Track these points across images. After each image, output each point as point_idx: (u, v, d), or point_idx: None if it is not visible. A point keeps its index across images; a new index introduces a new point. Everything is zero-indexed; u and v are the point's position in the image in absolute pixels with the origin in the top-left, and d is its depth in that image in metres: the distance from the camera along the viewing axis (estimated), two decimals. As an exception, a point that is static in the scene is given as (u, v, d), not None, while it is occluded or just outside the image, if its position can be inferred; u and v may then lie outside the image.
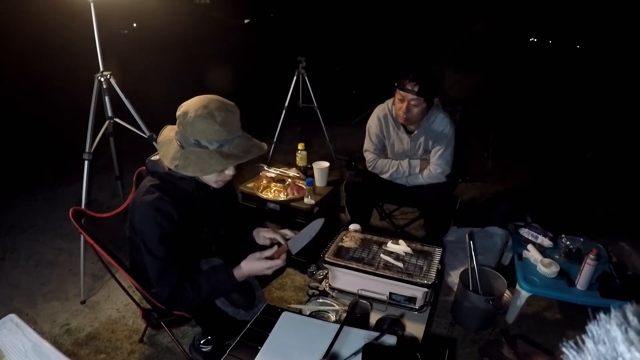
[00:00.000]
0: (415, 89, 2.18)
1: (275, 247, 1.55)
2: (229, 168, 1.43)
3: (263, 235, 1.72)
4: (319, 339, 1.28)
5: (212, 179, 1.46)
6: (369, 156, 2.51)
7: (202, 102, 1.36)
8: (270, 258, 1.52)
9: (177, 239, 1.43)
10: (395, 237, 1.91)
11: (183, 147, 1.38)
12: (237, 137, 1.39)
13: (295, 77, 3.68)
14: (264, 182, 2.62)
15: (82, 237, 1.96)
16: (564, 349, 0.37)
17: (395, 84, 2.28)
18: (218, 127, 1.33)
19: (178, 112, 1.38)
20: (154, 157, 1.50)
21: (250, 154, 1.41)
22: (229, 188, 1.72)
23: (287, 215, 2.47)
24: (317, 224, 1.62)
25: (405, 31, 8.02)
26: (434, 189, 2.40)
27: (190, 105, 1.36)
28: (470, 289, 1.86)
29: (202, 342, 1.88)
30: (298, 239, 1.62)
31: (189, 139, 1.35)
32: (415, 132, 2.39)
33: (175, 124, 1.46)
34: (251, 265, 1.50)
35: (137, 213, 1.42)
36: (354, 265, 1.69)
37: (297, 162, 2.77)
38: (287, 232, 1.68)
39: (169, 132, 1.47)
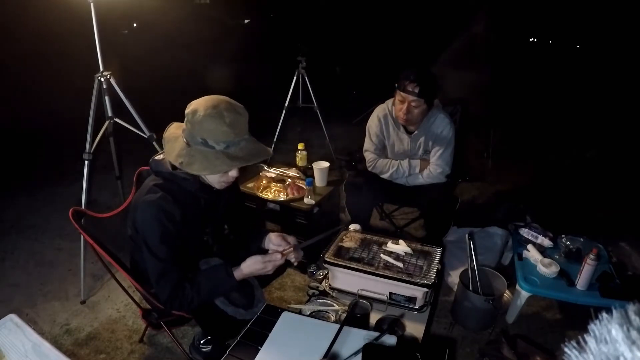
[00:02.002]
0: (416, 91, 2.18)
1: (278, 255, 1.55)
2: (233, 170, 1.43)
3: (276, 241, 1.68)
4: (319, 339, 1.28)
5: (216, 180, 1.46)
6: (369, 156, 2.51)
7: (212, 102, 1.36)
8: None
9: (178, 239, 1.43)
10: (395, 237, 1.91)
11: (189, 145, 1.38)
12: (243, 140, 1.39)
13: (295, 77, 3.68)
14: (264, 182, 2.62)
15: (82, 237, 1.96)
16: (565, 349, 0.37)
17: (396, 85, 2.28)
18: (226, 128, 1.33)
19: (187, 110, 1.38)
20: (158, 157, 1.50)
21: (255, 157, 1.41)
22: (234, 189, 1.72)
23: (287, 215, 2.47)
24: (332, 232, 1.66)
25: (405, 31, 8.02)
26: (434, 189, 2.40)
27: (199, 104, 1.36)
28: (470, 289, 1.86)
29: (202, 342, 1.88)
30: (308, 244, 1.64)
31: (196, 137, 1.35)
32: (415, 132, 2.38)
33: (180, 122, 1.47)
34: (250, 263, 1.50)
35: (139, 212, 1.42)
36: (354, 265, 1.69)
37: (297, 162, 2.77)
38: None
39: (175, 130, 1.47)
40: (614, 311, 0.37)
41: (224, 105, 1.36)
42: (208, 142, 1.35)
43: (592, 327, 0.38)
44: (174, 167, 1.47)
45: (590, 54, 7.90)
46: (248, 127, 1.42)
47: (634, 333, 0.35)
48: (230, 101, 1.40)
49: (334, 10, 8.27)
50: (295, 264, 1.67)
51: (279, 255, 1.53)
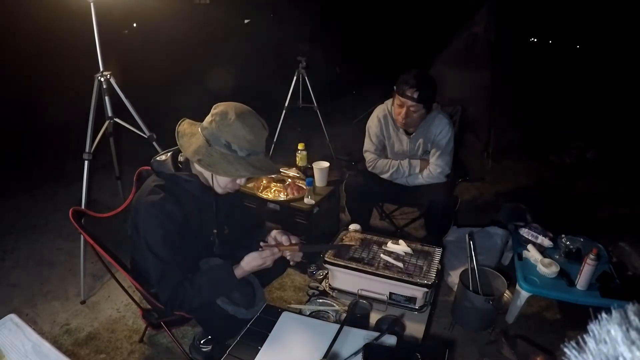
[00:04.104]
0: (415, 96, 2.18)
1: (275, 249, 1.55)
2: (243, 178, 1.47)
3: (279, 237, 1.67)
4: (319, 339, 1.28)
5: (222, 184, 1.47)
6: (369, 156, 2.51)
7: (242, 109, 1.41)
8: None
9: (179, 240, 1.43)
10: (395, 237, 1.91)
11: (210, 145, 1.39)
12: (262, 153, 1.45)
13: (295, 77, 3.68)
14: (264, 182, 2.62)
15: (82, 237, 1.96)
16: (565, 349, 0.37)
17: (394, 88, 2.27)
18: (253, 137, 1.38)
19: (215, 110, 1.41)
20: (160, 157, 1.50)
21: (270, 171, 1.50)
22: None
23: (287, 215, 2.47)
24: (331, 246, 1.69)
25: (405, 31, 8.02)
26: (434, 189, 2.39)
27: (230, 107, 1.39)
28: (470, 289, 1.86)
29: (202, 342, 1.88)
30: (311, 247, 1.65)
31: (221, 139, 1.37)
32: (414, 133, 2.39)
33: (191, 120, 1.49)
34: (249, 259, 1.50)
35: (140, 213, 1.42)
36: (354, 265, 1.69)
37: (297, 162, 2.77)
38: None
39: (189, 126, 1.48)
40: (613, 311, 0.38)
41: (253, 115, 1.42)
42: (232, 146, 1.37)
43: (592, 327, 0.38)
44: (176, 168, 1.47)
45: (590, 54, 7.91)
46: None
47: (633, 333, 0.35)
48: (257, 114, 1.45)
49: (334, 10, 8.26)
50: (292, 263, 1.66)
51: (276, 249, 1.53)
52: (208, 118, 1.41)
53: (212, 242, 1.65)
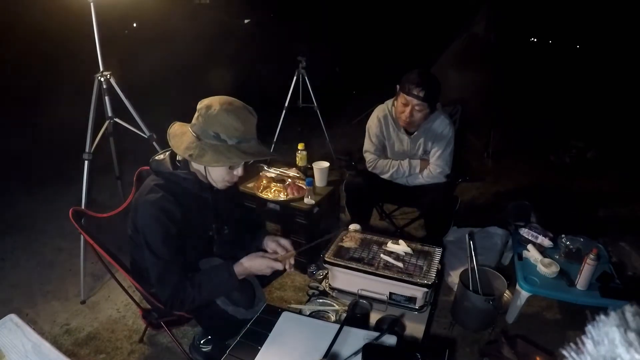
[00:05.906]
0: (421, 95, 2.16)
1: (279, 254, 1.56)
2: (238, 169, 1.48)
3: (272, 246, 1.69)
4: (319, 339, 1.28)
5: (220, 178, 1.48)
6: (369, 157, 2.50)
7: (226, 100, 1.43)
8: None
9: (179, 239, 1.44)
10: (395, 237, 1.91)
11: (200, 139, 1.40)
12: (253, 139, 1.45)
13: (295, 77, 3.68)
14: (264, 182, 2.62)
15: (82, 237, 1.96)
16: (564, 351, 0.37)
17: (397, 87, 2.26)
18: (240, 124, 1.39)
19: (200, 105, 1.43)
20: (158, 157, 1.51)
21: (264, 155, 1.51)
22: (233, 189, 1.73)
23: (287, 215, 2.47)
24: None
25: (405, 31, 8.03)
26: (434, 189, 2.39)
27: (214, 100, 1.41)
28: (470, 289, 1.86)
29: (202, 342, 1.88)
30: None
31: (209, 131, 1.38)
32: (415, 133, 2.38)
33: (182, 122, 1.50)
34: (252, 262, 1.51)
35: (140, 212, 1.43)
36: (354, 265, 1.69)
37: (297, 162, 2.77)
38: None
39: (179, 127, 1.49)
40: (611, 313, 0.38)
41: (238, 103, 1.43)
42: (220, 136, 1.38)
43: (590, 328, 0.38)
44: (174, 167, 1.48)
45: (590, 54, 7.91)
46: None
47: (631, 335, 0.35)
48: (242, 102, 1.46)
49: (334, 10, 8.27)
50: (291, 269, 1.66)
51: (281, 265, 1.55)
52: (195, 115, 1.44)
53: (211, 237, 1.65)
